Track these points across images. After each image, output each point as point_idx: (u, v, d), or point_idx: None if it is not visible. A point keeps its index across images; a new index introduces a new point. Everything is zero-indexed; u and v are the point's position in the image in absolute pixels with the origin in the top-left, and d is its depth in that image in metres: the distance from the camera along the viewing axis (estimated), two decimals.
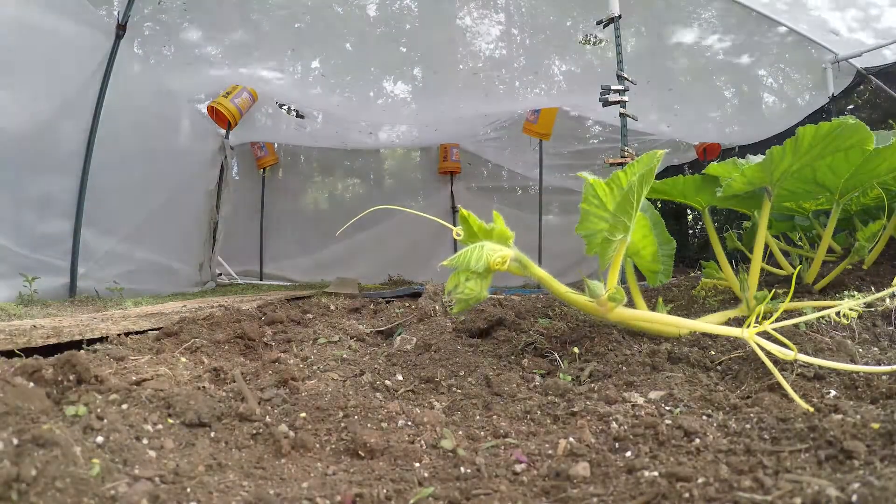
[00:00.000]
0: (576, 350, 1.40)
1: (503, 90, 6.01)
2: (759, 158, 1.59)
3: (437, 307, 1.90)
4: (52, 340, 1.64)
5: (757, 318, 1.04)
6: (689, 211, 8.07)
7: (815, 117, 5.74)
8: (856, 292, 1.60)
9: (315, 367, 1.37)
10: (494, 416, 1.12)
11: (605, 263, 1.38)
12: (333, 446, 1.01)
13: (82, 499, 0.71)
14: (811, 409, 0.90)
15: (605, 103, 3.57)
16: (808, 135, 1.34)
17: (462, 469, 0.88)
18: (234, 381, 1.27)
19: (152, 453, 0.92)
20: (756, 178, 1.51)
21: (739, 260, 2.22)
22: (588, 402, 1.10)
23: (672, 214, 7.94)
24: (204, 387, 1.23)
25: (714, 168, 1.67)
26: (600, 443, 0.94)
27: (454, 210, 8.27)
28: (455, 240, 1.28)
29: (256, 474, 0.89)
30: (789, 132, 6.78)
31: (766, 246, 1.90)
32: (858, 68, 5.23)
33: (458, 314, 1.86)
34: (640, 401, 1.08)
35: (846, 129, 1.31)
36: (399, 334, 1.72)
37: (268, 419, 1.08)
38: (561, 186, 7.85)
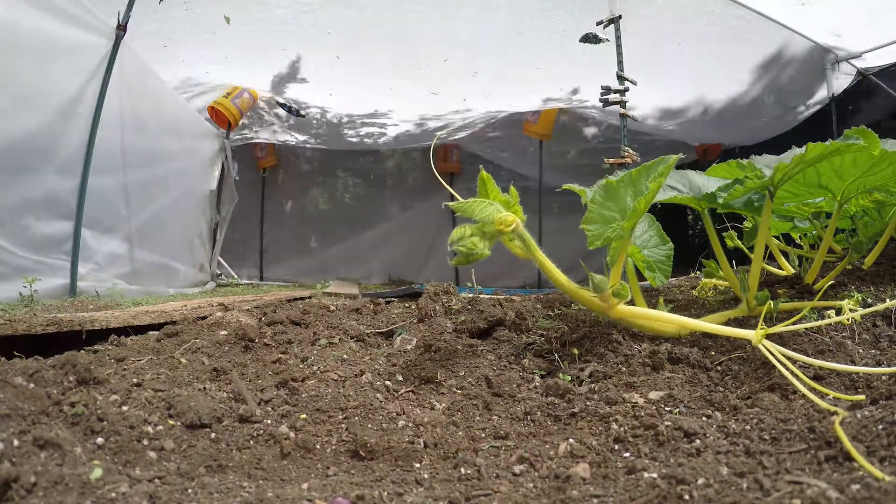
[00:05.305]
0: (576, 350, 1.40)
1: (502, 89, 6.02)
2: (763, 159, 1.59)
3: (437, 307, 1.90)
4: (52, 329, 1.64)
5: (764, 319, 1.04)
6: (688, 211, 8.07)
7: (816, 118, 5.74)
8: (856, 293, 1.60)
9: (315, 368, 1.37)
10: (495, 417, 1.12)
11: (613, 258, 1.39)
12: (334, 447, 1.01)
13: (83, 500, 0.72)
14: (834, 409, 0.90)
15: (606, 104, 3.57)
16: (817, 150, 1.32)
17: (462, 470, 0.88)
18: (233, 383, 1.27)
19: (153, 454, 0.92)
20: (758, 188, 1.52)
21: (740, 259, 2.22)
22: (588, 403, 1.10)
23: (672, 214, 7.94)
24: (204, 388, 1.23)
25: (715, 170, 1.67)
26: (600, 444, 0.94)
27: (454, 210, 8.26)
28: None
29: (257, 475, 0.89)
30: (790, 133, 6.71)
31: (766, 246, 1.90)
32: (859, 69, 5.23)
33: (458, 314, 1.86)
34: (640, 401, 1.08)
35: (854, 145, 1.31)
36: (399, 335, 1.72)
37: (268, 420, 1.08)
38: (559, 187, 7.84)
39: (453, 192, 1.37)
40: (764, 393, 1.04)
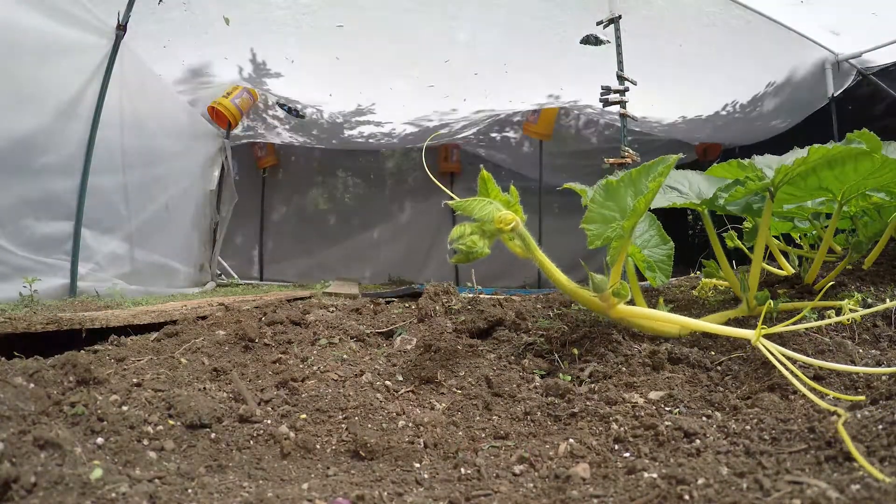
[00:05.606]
0: (576, 350, 1.40)
1: (502, 89, 6.02)
2: (763, 159, 1.59)
3: (437, 307, 1.90)
4: (52, 328, 1.64)
5: (764, 319, 1.04)
6: (689, 211, 8.08)
7: (816, 117, 5.73)
8: (856, 293, 1.60)
9: (315, 368, 1.37)
10: (495, 417, 1.12)
11: (613, 258, 1.39)
12: (334, 447, 1.01)
13: (83, 500, 0.72)
14: (834, 409, 0.90)
15: (606, 104, 3.57)
16: (819, 153, 1.32)
17: (462, 470, 0.88)
18: (233, 383, 1.27)
19: (153, 454, 0.92)
20: (759, 189, 1.52)
21: (740, 259, 2.22)
22: (588, 403, 1.10)
23: (672, 214, 7.93)
24: (204, 388, 1.23)
25: (715, 170, 1.67)
26: (600, 444, 0.94)
27: (454, 210, 8.27)
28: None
29: (257, 475, 0.89)
30: (790, 132, 6.68)
31: (766, 246, 1.90)
32: (858, 68, 5.23)
33: (458, 314, 1.86)
34: (640, 401, 1.08)
35: (856, 150, 1.30)
36: (399, 335, 1.72)
37: (268, 420, 1.08)
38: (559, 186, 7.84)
39: (450, 193, 1.37)
40: (764, 393, 1.04)
